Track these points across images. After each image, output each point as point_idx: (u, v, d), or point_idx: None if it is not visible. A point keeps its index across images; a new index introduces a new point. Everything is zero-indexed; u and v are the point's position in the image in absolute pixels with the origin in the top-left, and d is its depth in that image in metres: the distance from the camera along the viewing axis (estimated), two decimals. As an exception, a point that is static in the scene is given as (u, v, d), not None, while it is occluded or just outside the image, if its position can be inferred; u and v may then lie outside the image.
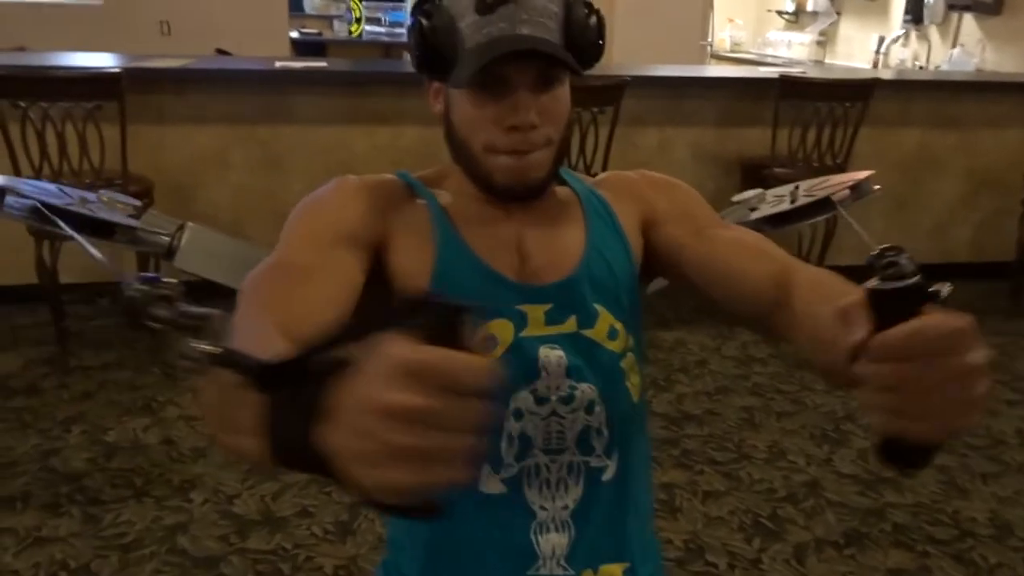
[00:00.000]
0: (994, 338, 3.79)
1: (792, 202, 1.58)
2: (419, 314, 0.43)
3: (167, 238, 1.31)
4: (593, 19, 0.88)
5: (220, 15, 5.57)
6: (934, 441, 0.51)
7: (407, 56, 0.92)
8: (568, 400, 0.90)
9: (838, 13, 7.14)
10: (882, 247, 0.78)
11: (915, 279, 0.51)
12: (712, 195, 3.80)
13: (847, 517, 2.46)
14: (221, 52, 5.15)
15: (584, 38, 0.86)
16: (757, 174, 3.68)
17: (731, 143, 4.02)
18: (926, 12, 6.09)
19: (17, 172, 3.00)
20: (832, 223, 3.72)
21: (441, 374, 0.40)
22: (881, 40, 6.55)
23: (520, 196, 0.91)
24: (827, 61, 7.15)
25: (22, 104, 2.91)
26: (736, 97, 4.04)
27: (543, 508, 0.91)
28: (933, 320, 0.48)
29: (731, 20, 7.92)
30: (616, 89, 3.34)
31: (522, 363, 0.88)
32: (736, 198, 1.65)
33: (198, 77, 3.60)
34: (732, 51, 7.80)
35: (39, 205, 1.26)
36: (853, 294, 0.52)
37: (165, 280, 0.52)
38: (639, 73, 3.79)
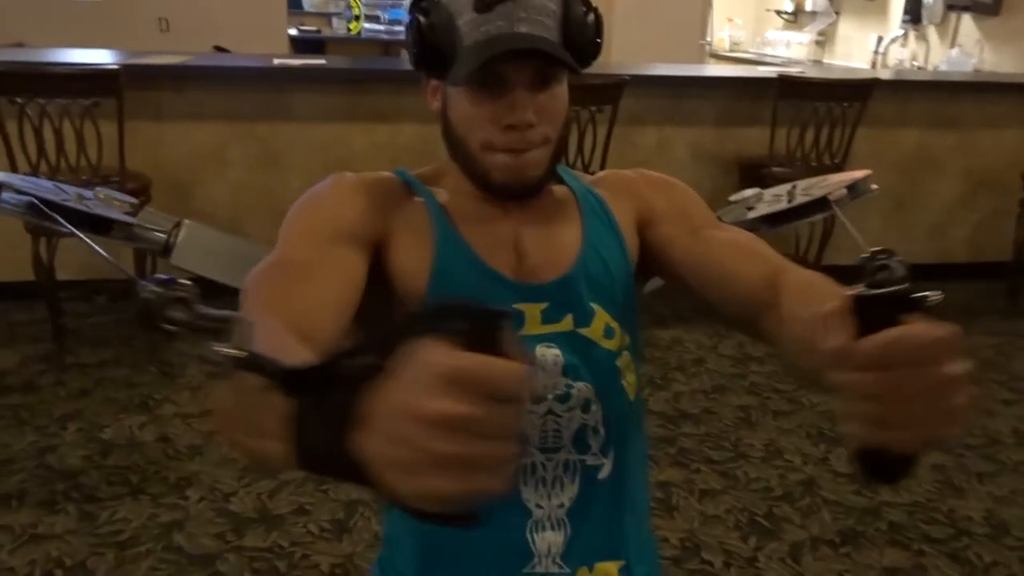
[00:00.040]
0: (991, 338, 3.80)
1: (789, 201, 1.58)
2: (455, 320, 0.43)
3: (164, 235, 1.31)
4: (591, 17, 0.88)
5: (219, 12, 5.56)
6: (913, 452, 0.50)
7: (406, 54, 0.91)
8: (564, 399, 0.90)
9: (837, 13, 7.14)
10: (874, 250, 0.77)
11: (899, 286, 0.50)
12: (710, 194, 3.80)
13: (843, 516, 2.47)
14: (219, 49, 5.14)
15: (582, 36, 0.86)
16: (755, 174, 3.68)
17: (730, 142, 4.02)
18: (924, 12, 6.09)
19: (14, 169, 3.00)
20: (830, 223, 3.72)
21: (483, 381, 0.40)
22: (879, 40, 6.55)
23: (517, 194, 0.91)
24: (826, 61, 7.15)
25: (19, 100, 2.90)
26: (735, 97, 4.04)
27: (539, 506, 0.91)
28: (915, 329, 0.47)
29: (730, 19, 7.92)
30: (615, 88, 3.34)
31: None
32: (733, 197, 1.65)
33: (196, 74, 3.59)
34: (731, 51, 7.80)
35: (36, 201, 1.26)
36: (837, 299, 0.51)
37: (181, 282, 0.51)
38: (638, 72, 3.79)
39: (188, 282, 0.51)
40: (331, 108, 3.67)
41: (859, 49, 6.83)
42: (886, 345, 0.47)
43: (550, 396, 0.89)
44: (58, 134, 2.96)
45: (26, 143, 2.97)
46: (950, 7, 5.91)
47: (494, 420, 0.40)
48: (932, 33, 6.21)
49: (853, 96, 3.64)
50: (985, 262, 4.47)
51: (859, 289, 0.50)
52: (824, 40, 7.27)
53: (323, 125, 3.68)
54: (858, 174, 1.69)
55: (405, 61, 0.92)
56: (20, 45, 4.57)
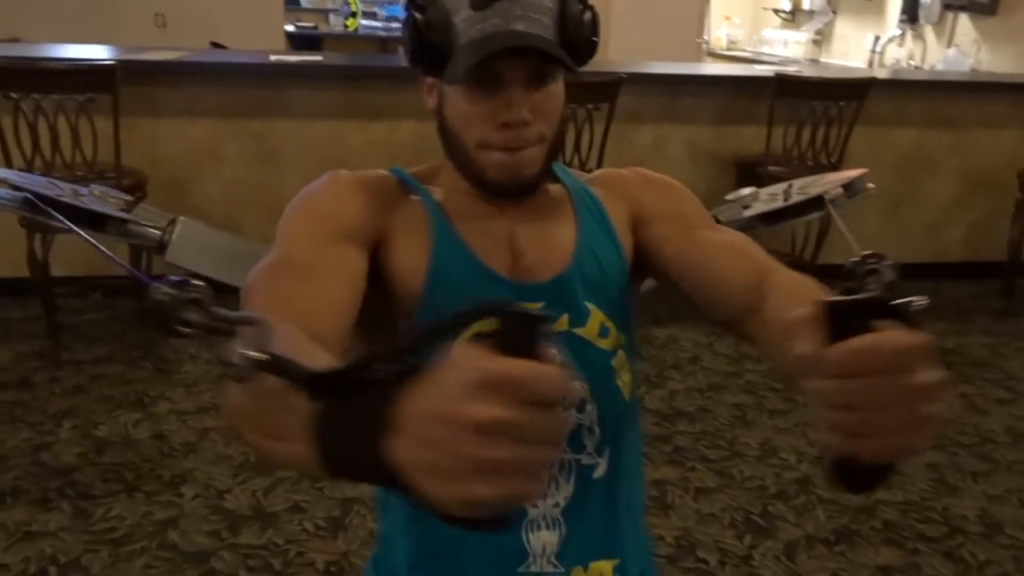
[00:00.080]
0: (986, 337, 3.81)
1: (785, 200, 1.58)
2: (490, 322, 0.42)
3: (159, 232, 1.30)
4: (588, 15, 0.87)
5: (215, 8, 5.55)
6: (885, 462, 0.49)
7: (402, 50, 0.91)
8: None
9: (834, 12, 7.15)
10: (864, 254, 0.77)
11: (872, 292, 0.49)
12: (707, 193, 3.79)
13: (838, 514, 2.47)
14: (216, 45, 5.12)
15: (578, 34, 0.86)
16: (752, 172, 3.69)
17: (726, 141, 4.02)
18: (922, 12, 6.10)
19: (9, 164, 2.99)
20: (826, 222, 3.73)
21: (524, 386, 0.39)
22: (877, 39, 6.56)
23: (512, 193, 0.90)
24: (823, 60, 7.16)
25: (14, 96, 2.89)
26: (732, 95, 4.04)
27: (534, 506, 0.91)
28: (887, 336, 0.46)
29: (727, 18, 7.92)
30: (612, 86, 3.34)
31: None
32: (730, 196, 1.65)
33: (193, 70, 3.59)
34: (728, 49, 7.80)
35: (31, 196, 1.25)
36: (811, 304, 0.50)
37: (194, 283, 0.50)
38: (635, 70, 3.78)
39: (201, 283, 0.50)
40: (328, 105, 3.66)
41: (856, 48, 6.83)
42: (856, 353, 0.45)
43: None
44: (53, 130, 2.94)
45: (21, 139, 2.96)
46: (947, 7, 5.92)
47: (535, 425, 0.40)
48: (929, 33, 6.22)
49: (850, 95, 3.64)
50: (981, 262, 4.48)
51: (832, 294, 0.49)
52: (821, 39, 7.27)
53: (320, 122, 3.67)
54: (854, 173, 1.68)
55: (402, 58, 0.91)
56: (15, 40, 4.56)
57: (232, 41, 5.19)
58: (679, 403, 3.07)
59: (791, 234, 3.93)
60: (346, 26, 7.33)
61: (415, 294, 0.88)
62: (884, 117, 4.12)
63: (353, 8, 7.28)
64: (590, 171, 1.06)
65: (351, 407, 0.46)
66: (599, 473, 0.93)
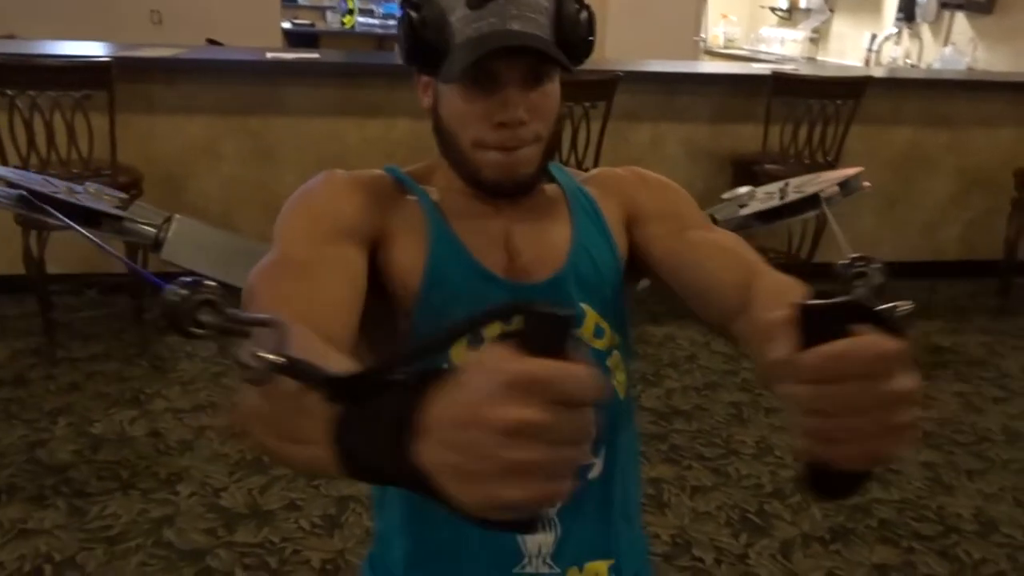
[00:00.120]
0: (982, 336, 3.82)
1: (782, 198, 1.58)
2: (516, 322, 0.42)
3: (154, 229, 1.30)
4: (584, 15, 0.87)
5: (212, 5, 5.53)
6: (858, 469, 0.48)
7: (397, 48, 0.91)
8: None
9: (831, 10, 7.15)
10: (853, 256, 0.76)
11: (848, 296, 0.47)
12: (703, 191, 3.79)
13: (833, 513, 2.47)
14: (212, 42, 5.11)
15: (575, 34, 0.86)
16: (748, 171, 3.69)
17: (723, 139, 4.02)
18: (918, 10, 6.10)
19: (4, 161, 2.98)
20: (823, 220, 3.73)
21: (555, 386, 0.39)
22: (873, 38, 6.56)
23: (508, 192, 0.90)
24: (820, 58, 7.16)
25: (10, 92, 2.89)
26: (729, 94, 4.04)
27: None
28: (861, 342, 0.45)
29: (724, 16, 7.92)
30: (609, 84, 3.34)
31: None
32: (726, 195, 1.65)
33: (189, 67, 3.58)
34: (725, 47, 7.80)
35: (27, 194, 1.25)
36: (786, 307, 0.48)
37: (207, 283, 0.50)
38: (632, 68, 3.78)
39: (212, 283, 0.50)
40: (324, 102, 3.66)
41: (853, 47, 6.84)
42: (830, 358, 0.45)
43: None
44: (48, 127, 2.94)
45: (16, 136, 2.95)
46: (944, 5, 5.93)
47: (564, 425, 0.39)
48: (926, 31, 6.22)
49: (847, 94, 3.64)
50: (977, 260, 4.49)
51: (806, 298, 0.47)
52: (818, 37, 7.28)
53: (316, 119, 3.66)
54: (850, 171, 1.68)
55: (398, 55, 0.90)
56: (11, 37, 4.54)
57: (228, 38, 5.17)
58: (676, 401, 3.08)
59: (788, 233, 3.93)
60: (343, 23, 7.32)
61: (413, 293, 0.87)
62: (881, 116, 4.13)
63: (350, 5, 7.27)
64: (587, 170, 1.06)
65: (373, 410, 0.46)
66: (594, 473, 0.93)
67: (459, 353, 0.79)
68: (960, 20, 5.90)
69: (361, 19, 7.36)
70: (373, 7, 7.46)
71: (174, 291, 0.49)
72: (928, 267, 4.48)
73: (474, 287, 0.88)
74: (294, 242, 0.82)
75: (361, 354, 0.77)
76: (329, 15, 7.41)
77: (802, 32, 7.28)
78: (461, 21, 0.82)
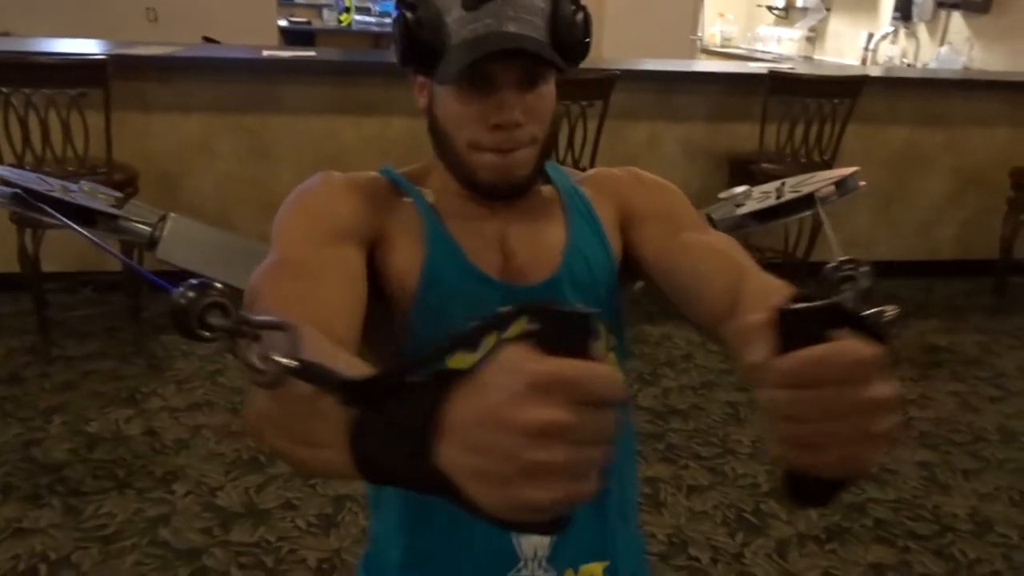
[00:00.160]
0: (977, 335, 3.83)
1: (778, 198, 1.58)
2: (535, 322, 0.41)
3: (149, 228, 1.29)
4: (580, 16, 0.86)
5: (208, 3, 5.52)
6: (834, 477, 0.47)
7: (393, 49, 0.90)
8: None
9: (828, 9, 7.15)
10: (841, 259, 0.75)
11: (825, 300, 0.46)
12: (700, 190, 3.78)
13: (829, 512, 2.48)
14: (208, 40, 5.10)
15: (571, 35, 0.85)
16: (745, 169, 3.69)
17: (720, 138, 4.02)
18: (915, 9, 6.11)
19: (-1, 159, 2.97)
20: (819, 220, 3.73)
21: (578, 386, 0.39)
22: (870, 37, 6.57)
23: (503, 195, 0.90)
24: (816, 57, 7.17)
25: (4, 90, 2.88)
26: (726, 92, 4.04)
27: None
28: (839, 347, 0.44)
29: (721, 15, 7.92)
30: (606, 83, 3.34)
31: None
32: (723, 194, 1.64)
33: (184, 65, 3.57)
34: (722, 46, 7.80)
35: (22, 192, 1.24)
36: (764, 311, 0.47)
37: (216, 286, 0.49)
38: (629, 67, 3.78)
39: (220, 285, 0.49)
40: (321, 100, 3.65)
41: (849, 46, 6.84)
42: (805, 363, 0.44)
43: None
44: (44, 125, 2.93)
45: (11, 134, 2.94)
46: (940, 4, 5.93)
47: (588, 425, 0.39)
48: (922, 30, 6.23)
49: (843, 93, 3.64)
50: (973, 259, 4.49)
51: (782, 302, 0.47)
52: (815, 36, 7.28)
53: (313, 117, 3.66)
54: (846, 171, 1.68)
55: (393, 55, 0.90)
56: (6, 34, 4.53)
57: (225, 36, 5.16)
58: (672, 401, 3.08)
59: (784, 232, 3.93)
60: (339, 21, 7.31)
61: (410, 295, 0.87)
62: (877, 115, 4.13)
63: (346, 3, 7.26)
64: (584, 169, 1.05)
65: (391, 413, 0.45)
66: None
67: (458, 358, 0.78)
68: (956, 19, 5.91)
69: (358, 17, 7.35)
70: (370, 5, 7.45)
71: (182, 294, 0.48)
72: (924, 266, 4.49)
73: (469, 289, 0.88)
74: (294, 243, 0.81)
75: (361, 355, 0.77)
76: (326, 13, 7.40)
77: (799, 31, 7.29)
78: (457, 22, 0.81)
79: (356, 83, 3.67)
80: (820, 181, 1.63)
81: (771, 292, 0.74)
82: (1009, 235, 4.09)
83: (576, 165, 3.33)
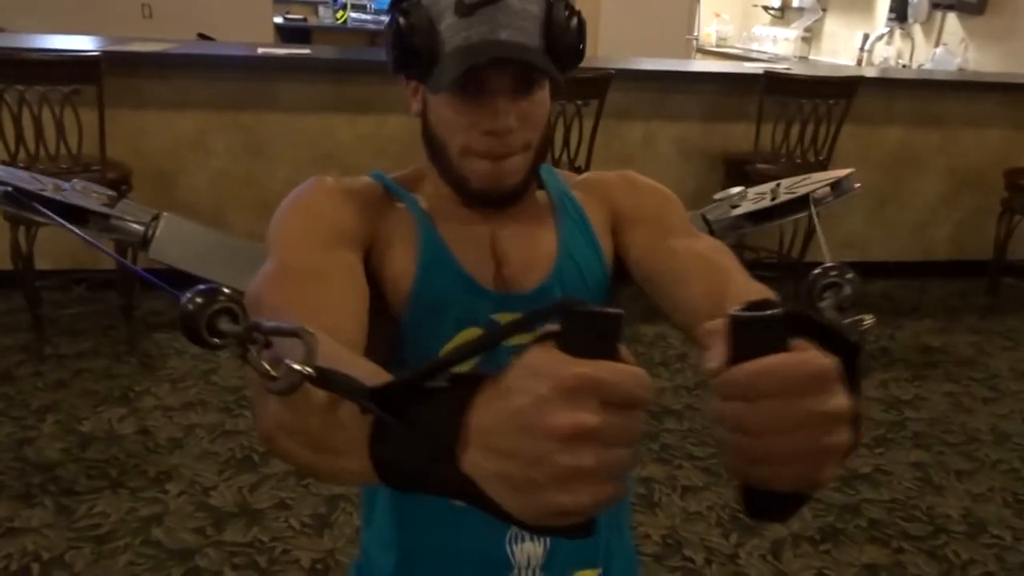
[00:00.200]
0: (971, 336, 3.84)
1: (773, 199, 1.58)
2: (562, 323, 0.41)
3: (142, 227, 1.29)
4: (574, 21, 0.85)
5: (203, -1, 5.50)
6: (789, 491, 0.45)
7: (385, 54, 0.89)
8: None
9: (823, 10, 7.16)
10: (826, 265, 0.74)
11: (778, 309, 0.44)
12: (695, 189, 3.77)
13: (823, 513, 2.48)
14: (203, 37, 5.08)
15: (565, 41, 0.84)
16: (740, 169, 3.69)
17: (715, 138, 4.02)
18: (910, 10, 6.12)
19: (-8, 156, 2.95)
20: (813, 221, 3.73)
21: (608, 388, 0.38)
22: (866, 37, 6.58)
23: (495, 202, 0.89)
24: (812, 57, 7.17)
25: (-2, 87, 2.86)
26: (721, 92, 4.04)
27: None
28: (791, 359, 0.43)
29: (717, 15, 7.92)
30: (601, 82, 3.33)
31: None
32: (718, 195, 1.64)
33: (179, 62, 3.55)
34: (718, 46, 7.81)
35: (13, 191, 1.23)
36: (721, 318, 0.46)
37: (225, 291, 0.48)
38: (624, 66, 3.77)
39: (229, 290, 0.48)
40: (316, 98, 3.64)
41: (845, 46, 6.85)
42: (755, 374, 0.42)
43: None
44: (37, 122, 2.91)
45: (4, 130, 2.93)
46: (935, 6, 5.95)
47: (618, 428, 0.39)
48: (917, 31, 6.24)
49: (838, 93, 3.65)
50: (967, 260, 4.50)
51: (736, 310, 0.45)
52: (811, 36, 7.29)
53: (308, 115, 3.64)
54: (841, 173, 1.68)
55: (386, 59, 0.89)
56: (0, 30, 4.50)
57: (220, 33, 5.15)
58: (667, 401, 3.08)
59: (779, 232, 3.94)
60: (335, 18, 7.30)
61: (403, 300, 0.87)
62: (872, 115, 4.14)
63: (343, 0, 7.24)
64: (579, 169, 1.05)
65: (414, 420, 0.44)
66: None
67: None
68: (952, 20, 5.92)
69: (353, 14, 7.33)
70: (366, 3, 7.44)
71: (190, 299, 0.47)
72: (918, 267, 4.50)
73: (461, 296, 0.88)
74: (294, 248, 0.80)
75: None
76: (321, 10, 7.38)
77: (794, 31, 7.30)
78: (450, 29, 0.80)
79: (352, 81, 3.66)
80: (815, 182, 1.63)
81: (750, 298, 0.74)
82: (1003, 236, 4.10)
83: (572, 164, 3.33)
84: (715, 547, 2.31)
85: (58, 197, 1.28)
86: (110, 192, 1.36)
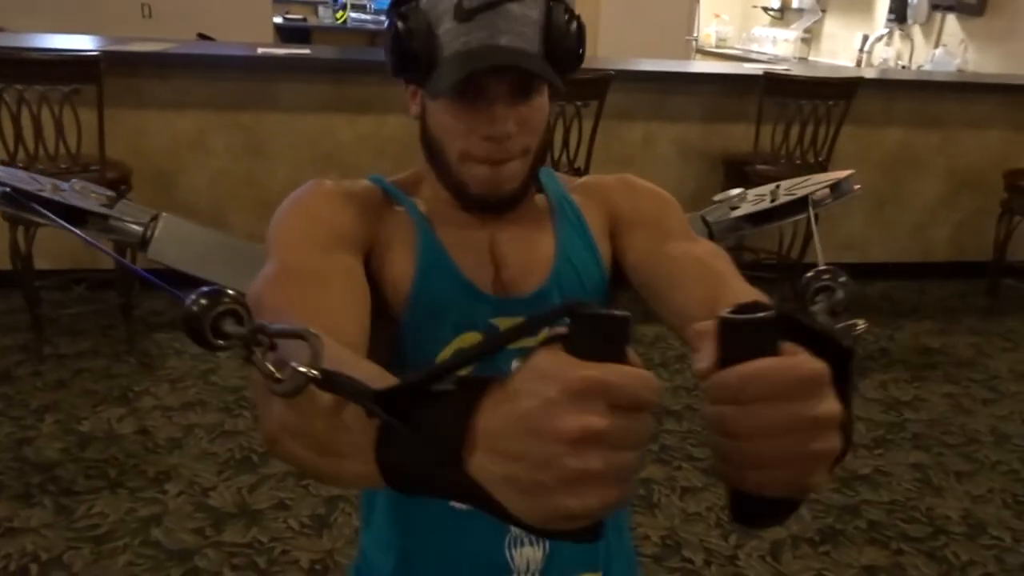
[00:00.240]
0: (970, 337, 3.84)
1: (772, 201, 1.57)
2: (569, 325, 0.41)
3: (141, 228, 1.28)
4: (574, 26, 0.85)
5: (203, -1, 5.50)
6: (777, 497, 0.45)
7: (385, 57, 0.89)
8: None
9: (823, 11, 7.16)
10: (819, 268, 0.74)
11: (766, 312, 0.43)
12: (695, 190, 3.76)
13: (822, 514, 2.48)
14: (203, 37, 5.08)
15: (564, 46, 0.84)
16: (740, 170, 3.69)
17: (715, 139, 4.02)
18: (910, 11, 6.12)
19: (-9, 156, 2.95)
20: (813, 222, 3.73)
21: (617, 391, 0.38)
22: (865, 39, 6.58)
23: (493, 207, 0.89)
24: (811, 58, 7.18)
25: (-3, 86, 2.86)
26: (721, 93, 4.04)
27: None
28: (781, 363, 0.42)
29: (717, 15, 7.92)
30: (601, 83, 3.33)
31: None
32: (718, 197, 1.64)
33: (179, 62, 3.55)
34: (717, 47, 7.81)
35: (12, 192, 1.23)
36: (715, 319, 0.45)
37: (229, 293, 0.48)
38: (624, 67, 3.77)
39: (233, 292, 0.48)
40: (316, 98, 3.64)
41: (844, 47, 6.86)
42: (743, 378, 0.42)
43: None
44: (36, 121, 2.91)
45: (3, 130, 2.92)
46: (935, 7, 5.95)
47: (627, 431, 0.39)
48: (917, 32, 6.24)
49: (838, 94, 3.65)
50: (966, 261, 4.51)
51: (728, 311, 0.44)
52: (810, 37, 7.29)
53: (308, 115, 3.64)
54: (841, 174, 1.68)
55: (386, 62, 0.89)
56: (0, 30, 4.50)
57: (220, 33, 5.14)
58: (666, 401, 3.07)
59: (779, 233, 3.94)
60: (335, 18, 7.30)
61: (402, 303, 0.87)
62: (872, 116, 4.14)
63: (343, 0, 7.24)
64: (578, 169, 1.04)
65: (420, 423, 0.44)
66: None
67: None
68: (951, 21, 5.92)
69: (353, 14, 7.33)
70: (366, 2, 7.44)
71: (194, 301, 0.47)
72: (917, 268, 4.50)
73: (460, 300, 0.87)
74: (294, 250, 0.80)
75: None
76: (321, 10, 7.38)
77: (794, 32, 7.30)
78: (449, 34, 0.80)
79: (351, 81, 3.66)
80: (815, 184, 1.62)
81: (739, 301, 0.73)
82: (1002, 237, 4.10)
83: (571, 165, 3.33)
84: (714, 548, 2.31)
85: (56, 198, 1.28)
86: (109, 192, 1.36)
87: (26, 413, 2.75)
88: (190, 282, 0.76)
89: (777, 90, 3.64)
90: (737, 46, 7.84)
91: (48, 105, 2.92)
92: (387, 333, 0.87)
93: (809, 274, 0.75)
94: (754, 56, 7.04)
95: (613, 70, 3.39)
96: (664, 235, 0.92)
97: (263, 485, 2.45)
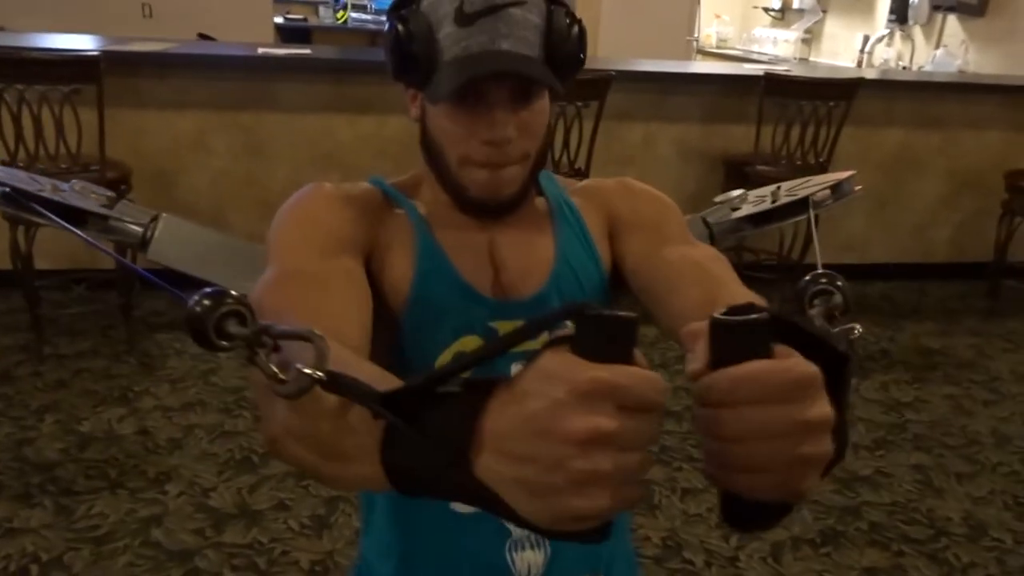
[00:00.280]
0: (971, 338, 3.83)
1: (773, 202, 1.57)
2: (576, 327, 0.41)
3: (140, 228, 1.28)
4: (575, 29, 0.84)
5: (203, -1, 5.50)
6: (766, 500, 0.44)
7: (385, 59, 0.89)
8: None
9: (824, 11, 7.16)
10: (816, 272, 0.74)
11: (759, 314, 0.43)
12: (695, 191, 3.77)
13: (824, 516, 2.48)
14: (203, 37, 5.08)
15: (565, 50, 0.83)
16: (740, 171, 3.69)
17: (715, 139, 4.02)
18: (911, 12, 6.12)
19: (-9, 156, 2.95)
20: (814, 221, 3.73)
21: (626, 393, 0.38)
22: (866, 39, 6.58)
23: (492, 211, 0.89)
24: (812, 59, 7.17)
25: (-3, 86, 2.86)
26: (721, 94, 4.04)
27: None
28: (773, 365, 0.42)
29: (717, 16, 7.92)
30: (601, 83, 3.33)
31: None
32: (719, 198, 1.64)
33: (179, 62, 3.55)
34: (718, 47, 7.81)
35: (12, 192, 1.23)
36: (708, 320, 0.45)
37: (233, 293, 0.48)
38: (625, 68, 3.77)
39: (237, 293, 0.48)
40: (317, 98, 3.64)
41: (845, 48, 6.85)
42: (736, 380, 0.42)
43: None
44: (37, 121, 2.91)
45: (4, 130, 2.92)
46: (936, 7, 5.95)
47: (635, 432, 0.39)
48: (918, 33, 6.24)
49: (839, 95, 3.64)
50: (967, 262, 4.50)
51: (718, 314, 0.44)
52: (811, 38, 7.29)
53: (308, 115, 3.64)
54: (842, 175, 1.68)
55: (387, 65, 0.88)
56: (0, 30, 4.50)
57: (220, 33, 5.14)
58: (666, 402, 3.06)
59: (779, 234, 3.94)
60: (336, 18, 7.30)
61: (401, 306, 0.86)
62: (872, 117, 4.13)
63: (343, 0, 7.24)
64: (578, 170, 1.04)
65: (426, 425, 0.44)
66: None
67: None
68: (952, 22, 5.92)
69: (354, 14, 7.33)
70: (366, 3, 7.44)
71: (198, 301, 0.46)
72: (918, 269, 4.50)
73: (459, 303, 0.87)
74: (295, 253, 0.80)
75: None
76: (322, 10, 7.39)
77: (795, 33, 7.30)
78: (449, 38, 0.79)
79: (352, 81, 3.66)
80: (816, 185, 1.62)
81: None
82: (1003, 238, 4.10)
83: (571, 166, 3.33)
84: (715, 549, 2.31)
85: (56, 198, 1.28)
86: (109, 193, 1.36)
87: (26, 413, 2.75)
88: (190, 282, 0.75)
89: (778, 91, 3.63)
90: (738, 47, 7.84)
91: (48, 105, 2.92)
92: (387, 336, 0.87)
93: (806, 277, 0.75)
94: (755, 57, 7.04)
95: (613, 71, 3.39)
96: (663, 239, 0.91)
97: (263, 486, 2.44)
